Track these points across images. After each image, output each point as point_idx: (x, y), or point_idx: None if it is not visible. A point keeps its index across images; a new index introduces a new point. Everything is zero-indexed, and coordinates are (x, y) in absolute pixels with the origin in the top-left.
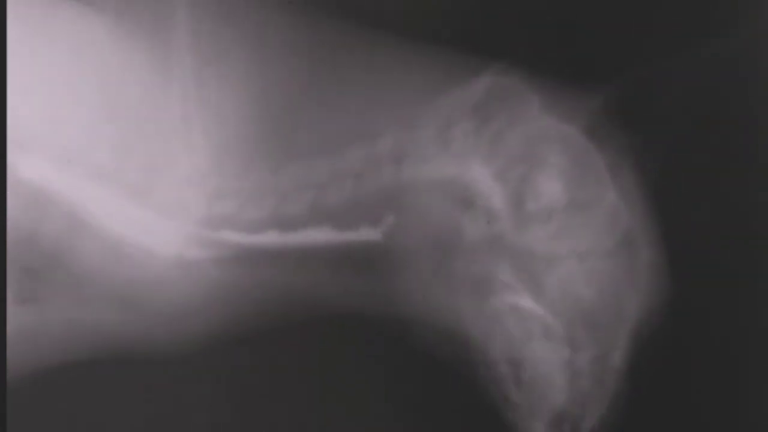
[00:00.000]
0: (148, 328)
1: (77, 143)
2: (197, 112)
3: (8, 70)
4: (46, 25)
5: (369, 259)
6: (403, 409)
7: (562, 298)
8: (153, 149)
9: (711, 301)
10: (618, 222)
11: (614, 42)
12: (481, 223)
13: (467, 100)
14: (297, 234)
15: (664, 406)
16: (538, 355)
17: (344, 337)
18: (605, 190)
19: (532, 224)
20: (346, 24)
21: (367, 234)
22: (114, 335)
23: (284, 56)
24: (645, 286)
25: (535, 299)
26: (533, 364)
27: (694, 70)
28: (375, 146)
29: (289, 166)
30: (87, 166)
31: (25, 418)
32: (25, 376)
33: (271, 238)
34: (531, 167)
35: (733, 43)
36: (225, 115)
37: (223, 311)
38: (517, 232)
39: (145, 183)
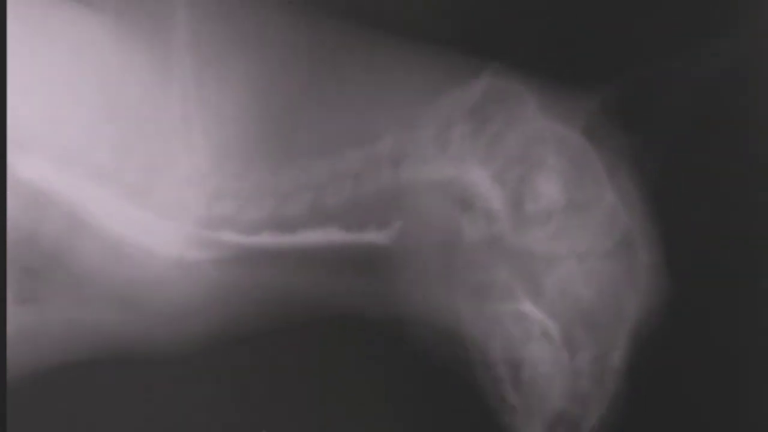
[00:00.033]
0: (148, 328)
1: (77, 143)
2: (197, 112)
3: (8, 70)
4: (46, 25)
5: (368, 259)
6: (402, 410)
7: (561, 299)
8: (153, 149)
9: (711, 301)
10: (617, 222)
11: (612, 42)
12: (480, 224)
13: (466, 101)
14: (296, 235)
15: (664, 406)
16: (537, 356)
17: (344, 338)
18: (604, 191)
19: (531, 225)
20: (346, 24)
21: (366, 235)
22: (114, 335)
23: (284, 56)
24: (644, 286)
25: (534, 300)
26: (533, 365)
27: (694, 70)
28: (374, 147)
29: (288, 166)
30: (87, 166)
31: (25, 418)
32: (25, 376)
33: (270, 238)
34: (529, 168)
35: (733, 43)
36: (225, 116)
37: (222, 311)
38: (516, 233)
39: (145, 183)
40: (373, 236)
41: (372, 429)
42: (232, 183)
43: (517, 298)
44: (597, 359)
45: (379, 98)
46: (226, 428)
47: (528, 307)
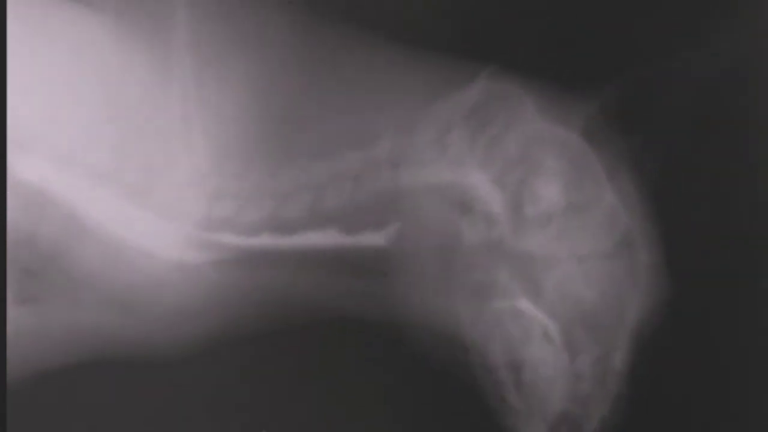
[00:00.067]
0: (148, 329)
1: (77, 143)
2: (197, 112)
3: (8, 70)
4: (46, 25)
5: (368, 262)
6: (402, 412)
7: (561, 301)
8: (153, 149)
9: (711, 302)
10: (617, 223)
11: (612, 43)
12: (480, 227)
13: (465, 103)
14: (296, 236)
15: (666, 407)
16: (538, 358)
17: (343, 340)
18: (603, 192)
19: (531, 227)
20: (345, 26)
21: (366, 237)
22: (113, 337)
23: (284, 57)
24: (645, 286)
25: (534, 302)
26: (533, 367)
27: (694, 70)
28: (374, 149)
29: (288, 167)
30: (87, 167)
31: (25, 419)
32: (25, 377)
33: (270, 240)
34: (529, 171)
35: (733, 43)
36: (225, 116)
37: (222, 313)
38: (516, 236)
39: (144, 183)
40: (372, 238)
41: (372, 431)
42: (232, 183)
43: (517, 300)
44: (598, 360)
45: (378, 99)
46: (226, 430)
47: (528, 309)
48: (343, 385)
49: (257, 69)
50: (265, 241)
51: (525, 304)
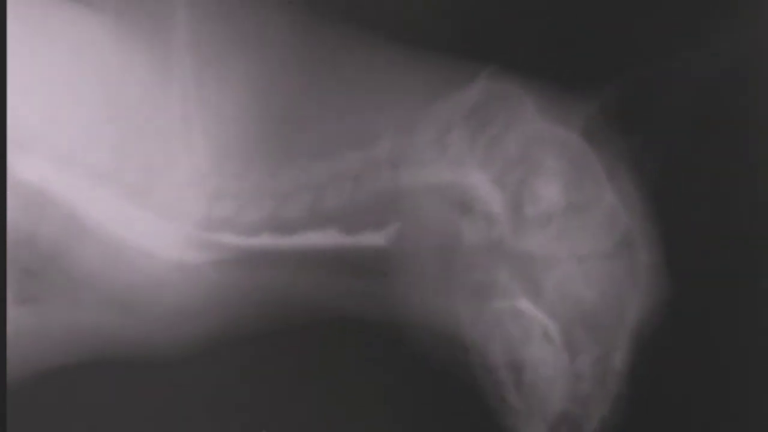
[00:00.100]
0: (148, 329)
1: (77, 143)
2: (197, 112)
3: (8, 70)
4: (46, 25)
5: (368, 262)
6: (402, 413)
7: (561, 301)
8: (153, 149)
9: (711, 302)
10: (617, 223)
11: (612, 43)
12: (480, 227)
13: (465, 103)
14: (296, 236)
15: (666, 407)
16: (538, 358)
17: (343, 340)
18: (603, 192)
19: (531, 227)
20: (345, 26)
21: (366, 237)
22: (113, 337)
23: (284, 57)
24: (645, 286)
25: (534, 302)
26: (534, 367)
27: (694, 70)
28: (374, 149)
29: (288, 167)
30: (87, 167)
31: (25, 419)
32: (25, 377)
33: (270, 240)
34: (529, 171)
35: (733, 43)
36: (225, 116)
37: (222, 313)
38: (516, 236)
39: (144, 183)
40: (372, 238)
41: (372, 431)
42: (232, 183)
43: (517, 299)
44: (598, 360)
45: (378, 99)
46: (226, 430)
47: (528, 309)
48: (343, 385)
49: (257, 69)
50: (265, 241)
51: (525, 304)
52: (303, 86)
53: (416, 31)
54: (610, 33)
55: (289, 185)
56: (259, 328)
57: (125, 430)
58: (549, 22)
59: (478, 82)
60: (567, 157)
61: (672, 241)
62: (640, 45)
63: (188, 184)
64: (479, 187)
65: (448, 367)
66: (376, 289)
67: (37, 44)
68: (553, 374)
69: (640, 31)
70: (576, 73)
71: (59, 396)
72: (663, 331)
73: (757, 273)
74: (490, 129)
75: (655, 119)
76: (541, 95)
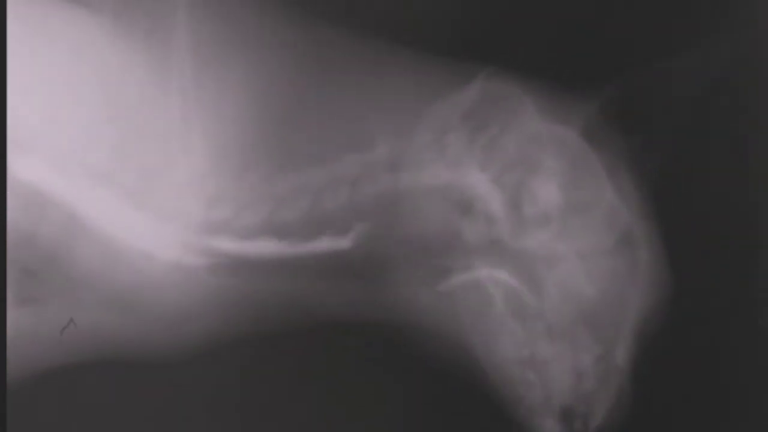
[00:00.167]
0: (147, 331)
1: (77, 143)
2: (196, 113)
3: (8, 70)
4: (46, 25)
5: (367, 264)
6: (402, 413)
7: (563, 299)
8: (152, 150)
9: (713, 299)
10: (617, 222)
11: (612, 43)
12: (480, 227)
13: (464, 104)
14: (293, 240)
15: (668, 403)
16: (541, 357)
17: (343, 342)
18: (603, 192)
19: (532, 227)
20: (344, 28)
21: (366, 239)
22: (112, 337)
23: (283, 59)
24: (646, 284)
25: (536, 301)
26: (536, 366)
27: (694, 70)
28: (372, 152)
29: (286, 170)
30: (86, 167)
31: (25, 419)
32: (25, 377)
33: (267, 243)
34: (528, 171)
35: (733, 43)
36: (224, 117)
37: (222, 314)
38: (517, 236)
39: (144, 184)
40: (372, 242)
41: (372, 431)
42: (231, 185)
43: (518, 299)
44: (600, 358)
45: (376, 102)
46: (225, 430)
47: (531, 309)
48: (343, 386)
49: (256, 70)
50: (263, 244)
51: (527, 304)
52: (301, 88)
53: (414, 32)
54: (610, 33)
55: (287, 188)
56: (257, 330)
57: (125, 431)
58: (548, 22)
59: (477, 83)
60: (567, 157)
61: (672, 240)
62: (640, 45)
63: (187, 185)
64: (478, 188)
65: (448, 367)
66: (376, 292)
67: (37, 44)
68: (557, 371)
69: (640, 31)
70: (576, 73)
71: (59, 396)
72: (665, 328)
73: (758, 271)
74: (490, 129)
75: (655, 119)
76: (540, 95)
